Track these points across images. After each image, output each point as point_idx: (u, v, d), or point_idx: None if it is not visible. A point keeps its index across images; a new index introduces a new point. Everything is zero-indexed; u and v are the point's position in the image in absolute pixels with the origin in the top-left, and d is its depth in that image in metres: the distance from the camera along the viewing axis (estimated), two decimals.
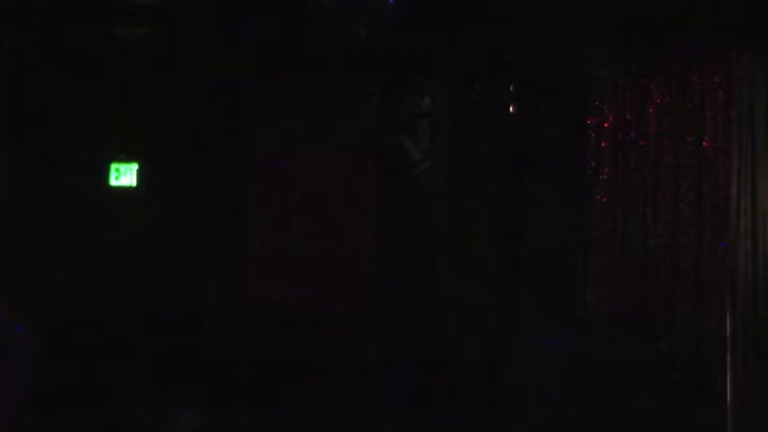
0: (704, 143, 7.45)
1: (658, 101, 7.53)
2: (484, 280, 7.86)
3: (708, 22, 7.32)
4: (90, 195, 7.91)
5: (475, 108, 7.95)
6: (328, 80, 7.96)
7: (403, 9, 6.76)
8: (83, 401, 7.00)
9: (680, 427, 7.27)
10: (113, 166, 7.98)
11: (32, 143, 7.65)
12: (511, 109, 7.98)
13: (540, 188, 7.74)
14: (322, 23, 7.11)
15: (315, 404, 7.59)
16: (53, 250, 7.64)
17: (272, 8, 7.44)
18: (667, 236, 7.45)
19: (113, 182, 7.99)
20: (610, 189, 7.57)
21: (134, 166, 8.00)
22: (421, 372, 7.69)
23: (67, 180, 7.73)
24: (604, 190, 7.57)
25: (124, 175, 8.00)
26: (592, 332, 7.45)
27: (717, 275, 7.37)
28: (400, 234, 8.03)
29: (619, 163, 7.56)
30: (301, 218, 8.00)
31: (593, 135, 7.59)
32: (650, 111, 7.54)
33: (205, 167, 7.86)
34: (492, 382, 7.54)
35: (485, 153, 7.91)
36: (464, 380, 7.66)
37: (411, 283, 7.95)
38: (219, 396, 7.33)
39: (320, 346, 7.79)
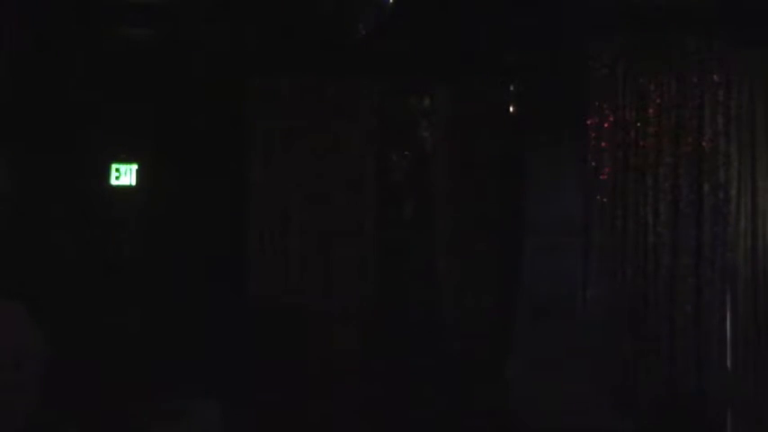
0: (704, 143, 7.46)
1: (658, 101, 7.54)
2: (484, 280, 7.87)
3: (708, 22, 7.33)
4: (90, 195, 7.91)
5: (475, 108, 7.97)
6: (328, 80, 7.96)
7: (403, 9, 6.77)
8: (85, 400, 7.00)
9: (680, 425, 7.29)
10: (113, 166, 7.98)
11: (33, 143, 7.65)
12: (511, 109, 7.99)
13: (541, 187, 7.74)
14: (322, 23, 7.12)
15: (315, 404, 7.60)
16: (53, 250, 7.64)
17: (272, 8, 7.44)
18: (667, 236, 7.46)
19: (113, 182, 7.99)
20: (610, 189, 7.57)
21: (134, 166, 7.99)
22: (421, 370, 7.70)
23: (67, 180, 7.73)
24: (604, 190, 7.58)
25: (124, 175, 8.00)
26: (592, 331, 7.46)
27: (717, 275, 7.38)
28: (401, 234, 8.04)
29: (619, 163, 7.57)
30: (302, 218, 8.01)
31: (593, 135, 7.60)
32: (650, 111, 7.55)
33: (205, 167, 7.86)
34: (493, 381, 7.54)
35: (485, 153, 7.93)
36: (464, 378, 7.68)
37: (411, 283, 7.95)
38: (219, 396, 7.33)
39: (320, 346, 7.80)
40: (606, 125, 7.57)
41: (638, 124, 7.55)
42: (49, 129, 7.67)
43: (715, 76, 7.48)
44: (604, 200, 7.55)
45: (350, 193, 8.01)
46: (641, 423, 7.27)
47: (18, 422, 3.53)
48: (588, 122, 7.60)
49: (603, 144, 7.57)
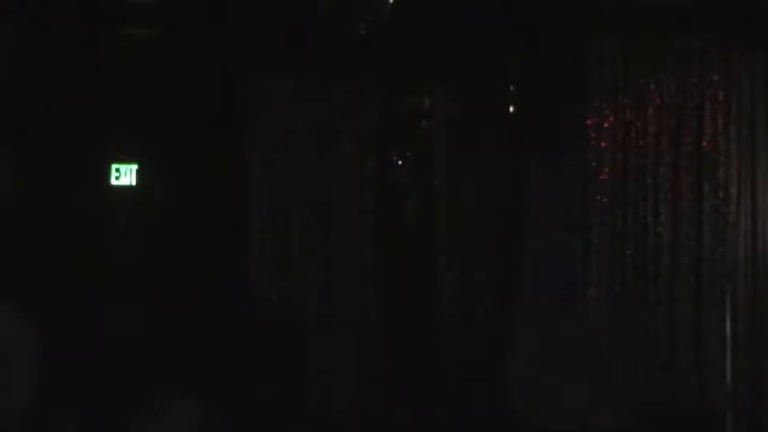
0: (704, 143, 7.46)
1: (658, 101, 7.54)
2: (484, 280, 7.87)
3: (708, 22, 7.33)
4: (90, 195, 7.91)
5: (475, 108, 7.96)
6: (328, 80, 7.96)
7: (403, 9, 6.77)
8: (81, 400, 7.00)
9: (680, 425, 7.29)
10: (113, 166, 7.98)
11: (32, 143, 7.65)
12: (511, 109, 7.99)
13: (540, 188, 7.74)
14: (322, 23, 7.11)
15: (315, 404, 7.60)
16: (53, 250, 7.64)
17: (271, 8, 7.44)
18: (667, 236, 7.46)
19: (113, 182, 7.99)
20: (610, 189, 7.58)
21: (134, 166, 8.00)
22: (422, 372, 7.70)
23: (67, 180, 7.73)
24: (604, 190, 7.58)
25: (124, 175, 8.00)
26: (592, 331, 7.46)
27: (717, 275, 7.38)
28: (401, 234, 8.04)
29: (619, 163, 7.58)
30: (302, 218, 8.01)
31: (593, 135, 7.60)
32: (650, 111, 7.55)
33: (205, 167, 7.86)
34: (493, 381, 7.54)
35: (484, 153, 7.92)
36: (465, 379, 7.68)
37: (411, 284, 7.95)
38: (218, 397, 7.34)
39: (320, 347, 7.80)
40: (606, 125, 7.57)
41: (638, 124, 7.55)
42: (48, 129, 7.67)
43: (715, 76, 7.47)
44: (604, 200, 7.55)
45: (350, 193, 8.01)
46: (642, 423, 7.26)
47: (8, 422, 3.52)
48: (588, 122, 7.60)
49: (603, 144, 7.58)
